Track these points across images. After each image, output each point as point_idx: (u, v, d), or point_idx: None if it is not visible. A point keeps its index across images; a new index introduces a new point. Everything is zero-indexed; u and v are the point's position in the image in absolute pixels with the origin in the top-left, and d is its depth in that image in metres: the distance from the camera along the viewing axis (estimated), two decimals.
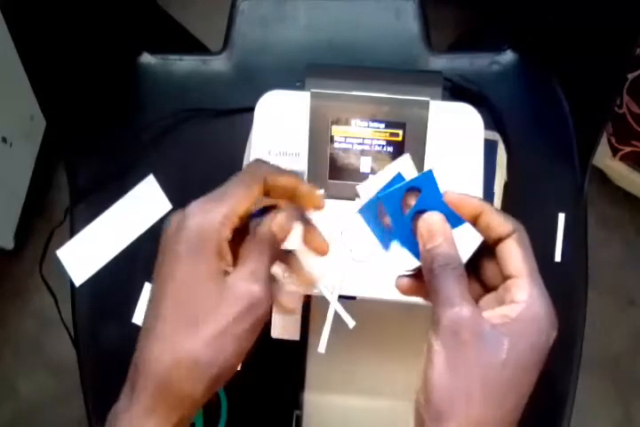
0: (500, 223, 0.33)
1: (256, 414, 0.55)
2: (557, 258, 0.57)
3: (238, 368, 0.53)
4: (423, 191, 0.33)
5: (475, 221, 0.33)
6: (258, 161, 0.36)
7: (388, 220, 0.34)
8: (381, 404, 0.52)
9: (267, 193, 0.35)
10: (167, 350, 0.30)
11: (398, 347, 0.52)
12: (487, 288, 0.34)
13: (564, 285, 0.57)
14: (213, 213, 0.32)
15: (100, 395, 0.57)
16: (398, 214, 0.34)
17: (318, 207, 0.37)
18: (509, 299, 0.31)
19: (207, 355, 0.30)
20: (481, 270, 0.35)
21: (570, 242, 0.57)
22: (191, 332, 0.30)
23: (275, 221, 0.34)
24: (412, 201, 0.33)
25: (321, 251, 0.38)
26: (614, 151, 1.13)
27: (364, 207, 0.34)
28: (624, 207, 1.26)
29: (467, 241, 0.33)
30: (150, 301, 0.32)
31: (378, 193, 0.34)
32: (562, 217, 0.57)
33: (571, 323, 0.56)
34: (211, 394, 0.31)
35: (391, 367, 0.52)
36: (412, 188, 0.33)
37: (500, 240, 0.33)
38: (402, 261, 0.34)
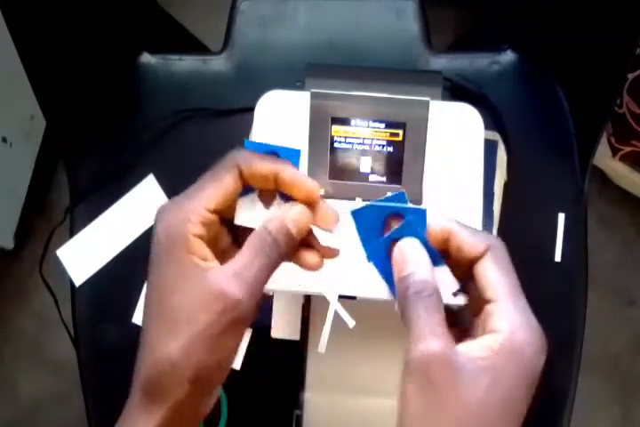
0: (471, 243, 0.30)
1: (256, 414, 0.55)
2: (557, 258, 0.57)
3: (236, 368, 0.53)
4: (406, 222, 0.31)
5: (446, 247, 0.31)
6: (234, 150, 0.34)
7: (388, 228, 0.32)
8: (381, 403, 0.52)
9: (246, 183, 0.33)
10: (150, 354, 0.30)
11: (398, 347, 0.52)
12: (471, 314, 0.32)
13: (563, 285, 0.57)
14: (180, 210, 0.31)
15: (99, 395, 0.57)
16: (377, 232, 0.32)
17: (311, 198, 0.33)
18: (490, 328, 0.29)
19: (182, 358, 0.29)
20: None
21: (570, 242, 0.57)
22: (168, 334, 0.30)
23: (290, 215, 0.32)
24: (395, 225, 0.31)
25: (331, 223, 0.34)
26: (614, 151, 1.13)
27: (360, 211, 0.32)
28: (624, 207, 1.26)
29: (442, 287, 0.31)
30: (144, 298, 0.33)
31: (373, 202, 0.32)
32: (562, 217, 0.57)
33: (571, 323, 0.56)
34: (203, 394, 0.31)
35: (391, 367, 0.52)
36: (397, 213, 0.31)
37: (474, 261, 0.30)
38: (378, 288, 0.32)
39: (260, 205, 0.34)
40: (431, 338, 0.27)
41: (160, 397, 0.30)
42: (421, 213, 0.31)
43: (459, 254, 0.31)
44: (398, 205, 0.31)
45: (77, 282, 0.58)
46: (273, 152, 0.34)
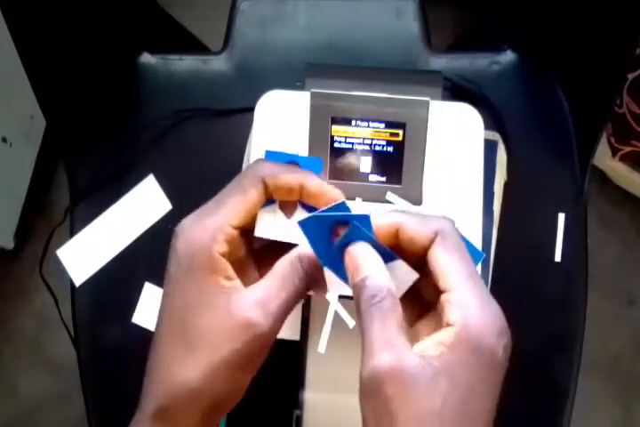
0: (419, 231, 0.29)
1: (256, 414, 0.55)
2: (557, 258, 0.57)
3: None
4: (353, 227, 0.30)
5: (398, 242, 0.30)
6: (257, 161, 0.33)
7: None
8: None
9: (270, 196, 0.32)
10: (164, 377, 0.29)
11: None
12: (428, 308, 0.31)
13: (563, 285, 0.57)
14: (203, 228, 0.30)
15: (100, 395, 0.57)
16: (327, 240, 0.31)
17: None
18: (444, 321, 0.27)
19: (202, 386, 0.28)
20: (417, 288, 0.31)
21: (570, 242, 0.57)
22: (187, 360, 0.29)
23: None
24: (341, 231, 0.30)
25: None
26: (614, 151, 1.13)
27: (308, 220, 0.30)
28: (624, 207, 1.26)
29: (400, 279, 0.30)
30: (157, 316, 0.31)
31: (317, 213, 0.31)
32: (562, 217, 0.57)
33: (571, 323, 0.56)
34: (213, 422, 0.30)
35: None
36: (343, 222, 0.30)
37: (427, 250, 0.29)
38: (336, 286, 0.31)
39: (280, 215, 0.33)
40: (379, 351, 0.26)
41: (172, 424, 0.29)
42: (365, 218, 0.30)
43: (411, 246, 0.29)
44: (340, 213, 0.30)
45: (77, 282, 0.58)
46: (293, 162, 0.33)
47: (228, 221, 0.30)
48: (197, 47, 0.92)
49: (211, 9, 1.02)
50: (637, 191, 1.22)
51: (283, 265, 0.30)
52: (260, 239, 0.33)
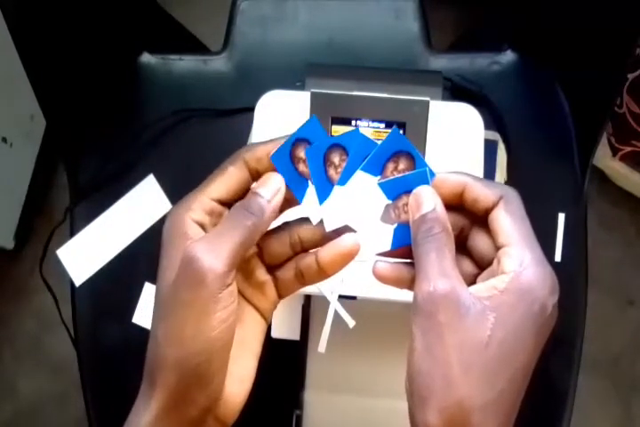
0: (485, 194, 0.31)
1: (256, 414, 0.55)
2: (557, 258, 0.57)
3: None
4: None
5: (460, 200, 0.32)
6: (243, 146, 0.34)
7: (302, 166, 0.32)
8: (381, 403, 0.52)
9: (256, 173, 0.32)
10: (149, 345, 0.30)
11: (398, 347, 0.52)
12: (482, 266, 0.32)
13: (564, 285, 0.57)
14: (184, 203, 0.31)
15: (100, 395, 0.57)
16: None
17: None
18: (500, 270, 0.29)
19: (163, 338, 0.29)
20: (474, 247, 0.32)
21: (570, 242, 0.57)
22: (158, 317, 0.30)
23: (259, 182, 0.31)
24: (300, 151, 0.32)
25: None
26: (614, 151, 1.13)
27: (278, 152, 0.31)
28: (624, 207, 1.26)
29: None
30: None
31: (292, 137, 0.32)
32: (562, 217, 0.57)
33: (571, 323, 0.56)
34: (194, 386, 0.29)
35: (391, 367, 0.52)
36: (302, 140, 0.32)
37: (489, 211, 0.31)
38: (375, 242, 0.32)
39: None
40: (438, 278, 0.28)
41: (155, 384, 0.29)
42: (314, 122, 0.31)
43: (475, 206, 0.31)
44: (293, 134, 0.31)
45: (77, 282, 0.58)
46: (300, 139, 0.32)
47: (204, 193, 0.32)
48: (197, 47, 0.92)
49: (211, 9, 1.02)
50: (637, 191, 1.22)
51: (232, 208, 0.31)
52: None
